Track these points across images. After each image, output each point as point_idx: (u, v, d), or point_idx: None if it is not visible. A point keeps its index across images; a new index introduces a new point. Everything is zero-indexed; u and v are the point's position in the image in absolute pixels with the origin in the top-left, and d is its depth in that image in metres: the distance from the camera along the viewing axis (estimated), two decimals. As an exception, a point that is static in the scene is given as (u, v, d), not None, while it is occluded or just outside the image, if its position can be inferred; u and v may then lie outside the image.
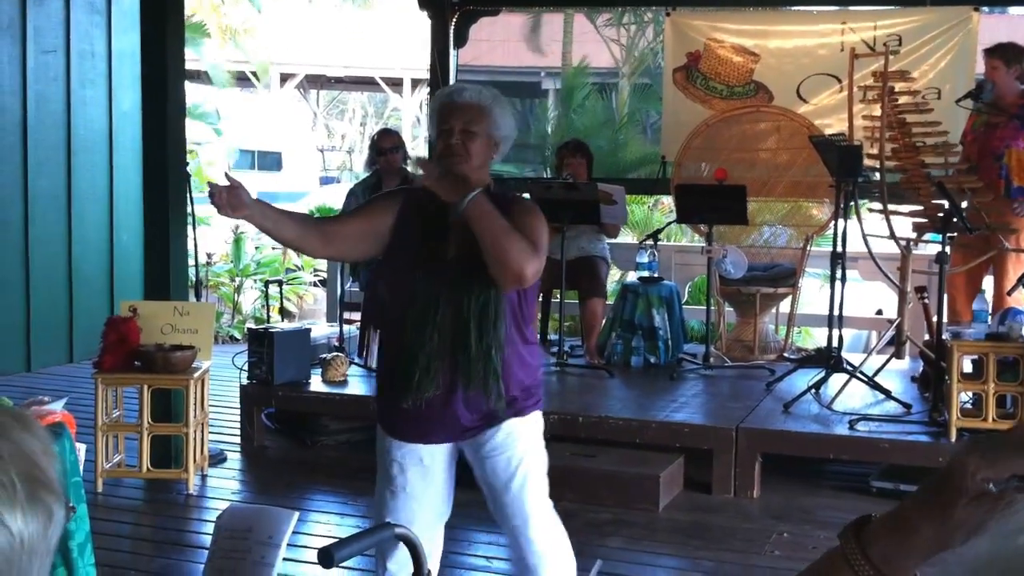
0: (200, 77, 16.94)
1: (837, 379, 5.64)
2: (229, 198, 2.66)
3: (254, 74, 21.18)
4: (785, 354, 6.94)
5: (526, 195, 3.79)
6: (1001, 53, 5.88)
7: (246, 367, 6.06)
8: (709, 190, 6.68)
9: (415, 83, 22.75)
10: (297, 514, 2.26)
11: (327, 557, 1.83)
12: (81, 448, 3.69)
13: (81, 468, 3.28)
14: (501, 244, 2.72)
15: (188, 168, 5.81)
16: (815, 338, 8.82)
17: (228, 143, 16.06)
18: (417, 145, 19.71)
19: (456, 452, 3.01)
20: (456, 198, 2.71)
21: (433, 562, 3.01)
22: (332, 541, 1.86)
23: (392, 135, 6.89)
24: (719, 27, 7.99)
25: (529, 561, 2.96)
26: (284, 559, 2.26)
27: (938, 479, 0.96)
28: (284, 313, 9.04)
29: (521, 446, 2.93)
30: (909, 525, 0.97)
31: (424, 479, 2.96)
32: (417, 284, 2.81)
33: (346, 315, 7.35)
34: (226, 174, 2.74)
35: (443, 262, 2.82)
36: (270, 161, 19.13)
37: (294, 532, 2.29)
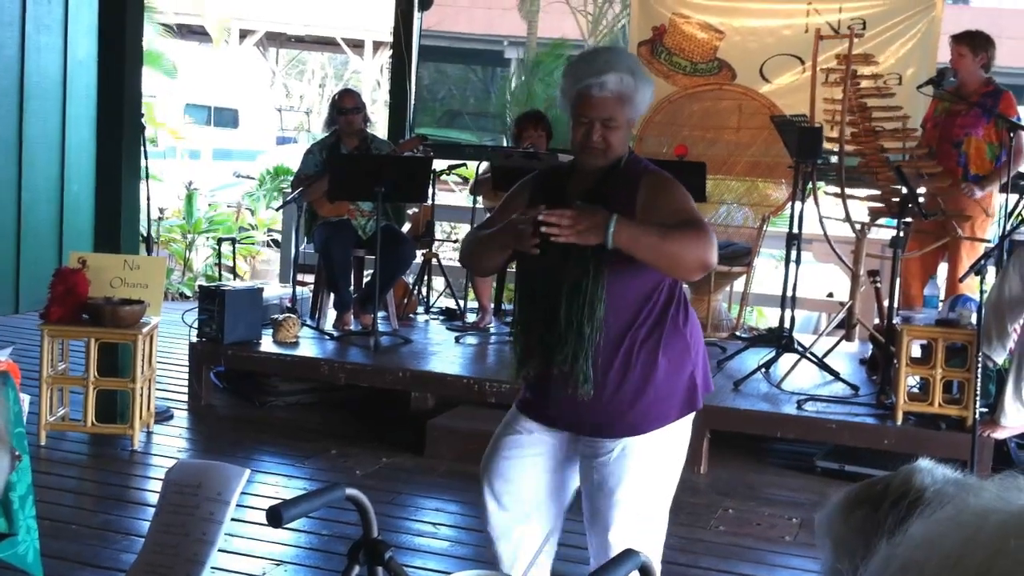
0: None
1: (787, 359, 5.69)
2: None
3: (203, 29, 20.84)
4: (737, 333, 6.99)
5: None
6: (968, 40, 5.91)
7: (196, 324, 6.00)
8: (669, 166, 6.66)
9: (377, 45, 22.56)
10: (248, 471, 2.24)
11: (276, 516, 1.81)
12: (25, 399, 3.63)
13: (24, 419, 3.23)
14: (667, 254, 2.53)
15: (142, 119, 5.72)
16: (767, 318, 8.89)
17: (183, 97, 15.85)
18: (376, 109, 19.56)
19: (572, 455, 2.84)
20: (599, 238, 2.49)
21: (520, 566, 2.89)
22: (279, 501, 1.84)
23: (353, 95, 6.82)
24: (686, 2, 7.98)
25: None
26: (231, 519, 2.23)
27: None
28: (234, 272, 8.96)
29: (635, 469, 2.72)
30: None
31: (541, 460, 2.84)
32: (529, 257, 2.66)
33: (299, 276, 7.29)
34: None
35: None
36: (226, 118, 18.92)
37: (241, 492, 2.26)
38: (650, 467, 2.74)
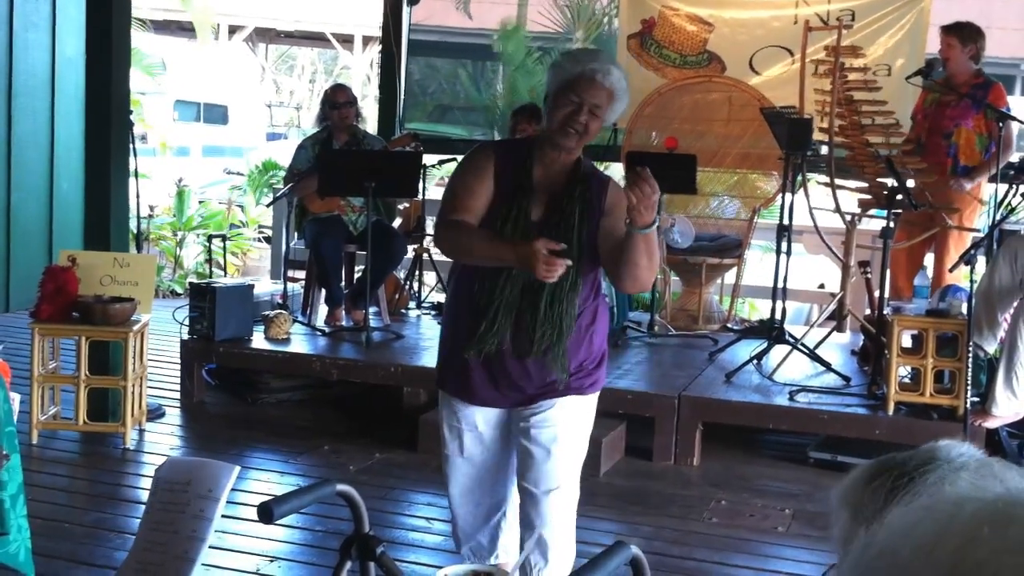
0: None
1: (779, 351, 5.70)
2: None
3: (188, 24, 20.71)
4: (728, 325, 6.99)
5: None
6: (958, 31, 5.92)
7: (187, 322, 5.98)
8: (659, 158, 6.66)
9: (366, 40, 22.51)
10: (238, 468, 2.23)
11: (267, 513, 1.80)
12: (16, 398, 3.62)
13: (15, 418, 3.22)
14: (652, 263, 2.68)
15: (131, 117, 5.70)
16: (759, 310, 8.89)
17: (172, 94, 15.79)
18: (366, 104, 19.53)
19: (508, 426, 2.98)
20: (649, 219, 2.60)
21: (510, 539, 3.06)
22: (271, 497, 1.84)
23: (345, 90, 6.82)
24: (675, -6, 7.97)
25: (538, 532, 2.91)
26: (222, 515, 2.22)
27: None
28: (225, 269, 8.94)
29: (568, 424, 2.91)
30: None
31: (479, 444, 2.97)
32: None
33: (290, 273, 7.28)
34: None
35: (526, 222, 2.77)
36: (216, 114, 18.85)
37: (233, 488, 2.25)
38: (576, 426, 2.94)
